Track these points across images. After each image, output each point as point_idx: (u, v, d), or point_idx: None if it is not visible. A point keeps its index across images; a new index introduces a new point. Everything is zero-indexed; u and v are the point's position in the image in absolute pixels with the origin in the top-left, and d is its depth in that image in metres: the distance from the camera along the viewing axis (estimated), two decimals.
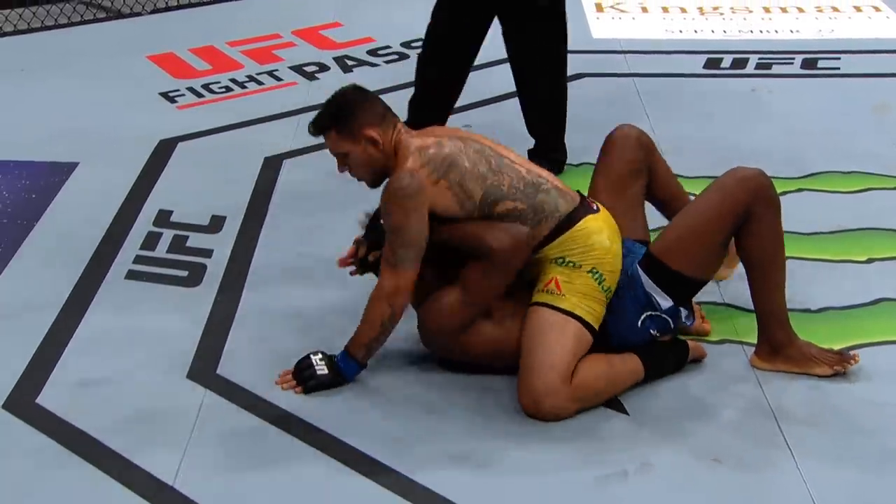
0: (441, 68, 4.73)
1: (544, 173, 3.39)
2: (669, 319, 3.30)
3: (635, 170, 3.52)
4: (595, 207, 3.36)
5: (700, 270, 3.29)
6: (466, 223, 3.23)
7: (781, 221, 3.26)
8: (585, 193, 3.46)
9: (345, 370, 3.29)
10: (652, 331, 3.31)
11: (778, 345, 3.32)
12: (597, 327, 3.24)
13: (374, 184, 3.37)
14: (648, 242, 3.43)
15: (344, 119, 3.28)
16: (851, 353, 3.34)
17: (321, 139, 3.36)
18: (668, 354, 3.36)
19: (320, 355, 3.31)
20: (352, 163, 3.33)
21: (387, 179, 3.26)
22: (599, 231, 3.29)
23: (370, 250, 3.41)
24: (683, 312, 3.34)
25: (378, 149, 3.28)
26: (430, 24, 4.70)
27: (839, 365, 3.30)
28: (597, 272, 3.24)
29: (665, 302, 3.28)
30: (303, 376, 3.28)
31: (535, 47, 4.55)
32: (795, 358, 3.32)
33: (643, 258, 3.31)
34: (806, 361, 3.31)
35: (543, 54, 4.57)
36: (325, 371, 3.27)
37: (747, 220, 3.21)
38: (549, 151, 4.70)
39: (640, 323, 3.29)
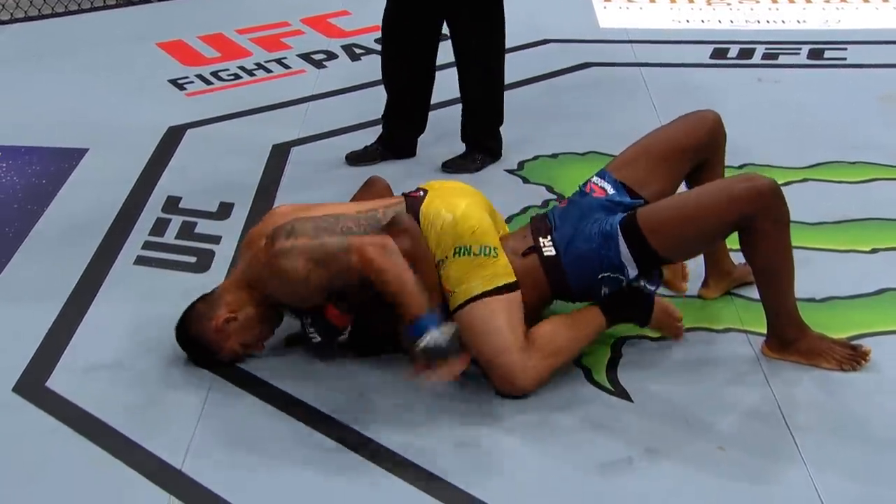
0: (403, 64, 4.69)
1: (371, 204, 3.39)
2: (625, 284, 3.27)
3: (694, 149, 3.45)
4: (420, 194, 3.36)
5: (677, 256, 3.29)
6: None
7: (789, 234, 3.19)
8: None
9: (430, 326, 3.03)
10: (604, 288, 3.26)
11: (788, 340, 3.32)
12: (509, 279, 3.19)
13: (279, 324, 3.39)
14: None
15: (205, 348, 3.31)
16: (864, 349, 3.32)
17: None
18: (626, 302, 3.32)
19: (428, 336, 3.02)
20: (254, 344, 3.35)
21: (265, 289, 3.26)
22: (437, 212, 3.28)
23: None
24: (645, 281, 3.30)
25: (237, 316, 3.28)
26: (383, 21, 4.68)
27: (848, 363, 3.28)
28: (460, 249, 3.21)
29: (633, 272, 3.23)
30: (431, 358, 3.03)
31: (473, 40, 4.58)
32: (804, 351, 3.31)
33: (627, 221, 3.22)
34: (815, 355, 3.30)
35: (479, 46, 4.60)
36: (438, 340, 3.02)
37: (750, 231, 3.14)
38: (487, 139, 4.76)
39: (598, 277, 3.24)
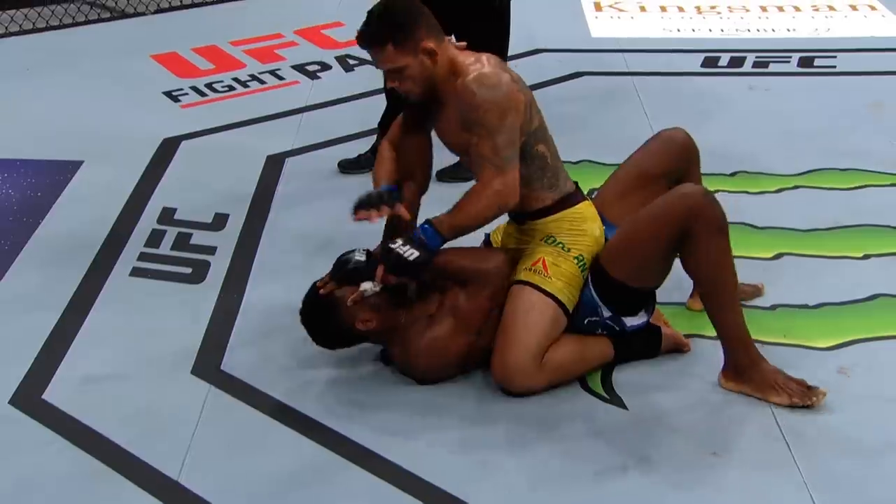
0: None
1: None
2: (614, 325, 3.32)
3: (665, 173, 3.45)
4: (587, 197, 3.40)
5: (638, 280, 3.26)
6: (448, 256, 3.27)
7: (727, 242, 3.15)
8: (584, 190, 3.48)
9: (432, 245, 3.20)
10: (599, 331, 3.33)
11: (740, 367, 3.22)
12: (571, 308, 3.27)
13: (421, 97, 3.27)
14: None
15: (404, 32, 3.13)
16: (820, 389, 3.18)
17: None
18: (637, 339, 3.38)
19: (399, 241, 3.21)
20: (406, 77, 3.20)
21: (468, 80, 3.15)
22: (593, 219, 3.34)
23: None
24: (632, 318, 3.33)
25: (434, 61, 3.19)
26: None
27: (799, 398, 3.16)
28: (582, 259, 3.27)
29: (606, 311, 3.29)
30: (400, 266, 3.19)
31: (482, 48, 4.58)
32: (756, 382, 3.19)
33: (592, 262, 3.31)
34: (767, 387, 3.19)
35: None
36: (417, 253, 3.18)
37: (687, 240, 3.12)
38: None
39: (584, 322, 3.31)
